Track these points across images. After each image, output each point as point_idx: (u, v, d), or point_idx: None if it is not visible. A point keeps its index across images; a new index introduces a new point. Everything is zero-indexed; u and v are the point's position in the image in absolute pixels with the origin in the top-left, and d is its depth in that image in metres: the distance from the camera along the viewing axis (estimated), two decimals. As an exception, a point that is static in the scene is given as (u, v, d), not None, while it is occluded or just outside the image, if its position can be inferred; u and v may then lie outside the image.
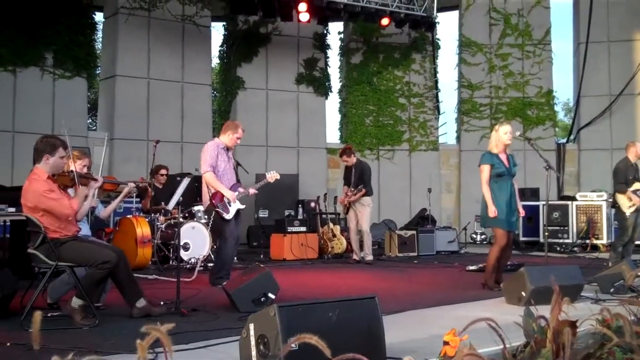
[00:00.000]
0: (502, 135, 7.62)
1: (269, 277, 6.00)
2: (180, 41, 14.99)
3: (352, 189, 10.94)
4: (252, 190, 8.17)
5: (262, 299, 5.74)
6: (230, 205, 7.64)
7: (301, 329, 2.95)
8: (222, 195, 7.59)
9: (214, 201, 7.63)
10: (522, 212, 7.73)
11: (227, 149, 7.88)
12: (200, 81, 15.21)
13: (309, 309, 3.64)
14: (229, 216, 7.61)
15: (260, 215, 13.56)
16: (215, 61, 17.51)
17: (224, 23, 16.31)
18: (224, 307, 5.92)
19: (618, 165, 10.09)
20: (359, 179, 11.05)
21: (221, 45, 16.43)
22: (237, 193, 7.76)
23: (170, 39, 14.82)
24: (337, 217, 12.97)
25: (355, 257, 11.19)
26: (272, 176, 8.33)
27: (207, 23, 15.43)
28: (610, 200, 11.34)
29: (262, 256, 11.36)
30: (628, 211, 9.77)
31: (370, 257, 11.03)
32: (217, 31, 16.27)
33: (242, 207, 7.81)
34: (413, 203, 15.80)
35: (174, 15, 14.80)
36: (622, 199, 9.86)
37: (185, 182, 8.85)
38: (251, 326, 3.59)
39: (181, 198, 8.66)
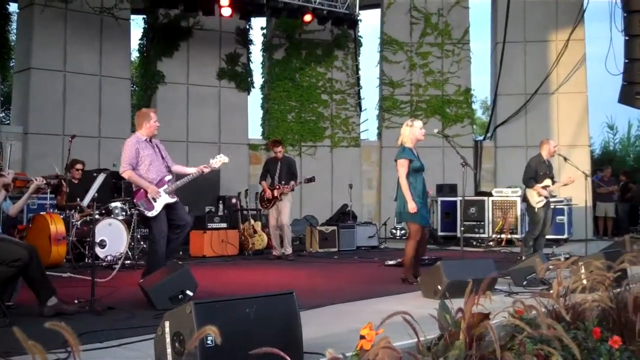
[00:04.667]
0: (418, 130, 7.72)
1: (187, 274, 5.94)
2: (99, 34, 14.61)
3: (283, 183, 10.98)
4: (178, 183, 7.85)
5: (180, 297, 5.70)
6: (155, 201, 7.36)
7: (218, 326, 2.93)
8: (146, 192, 7.35)
9: (135, 199, 7.46)
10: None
11: (150, 140, 7.61)
12: (119, 75, 14.87)
13: (226, 306, 3.63)
14: (152, 213, 7.32)
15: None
16: (134, 55, 17.19)
17: (144, 16, 15.99)
18: (140, 305, 5.84)
19: (530, 161, 10.43)
20: (288, 172, 11.07)
21: (141, 39, 16.10)
22: (165, 187, 7.45)
23: (88, 32, 14.44)
24: (259, 213, 12.93)
25: (275, 252, 11.21)
26: (218, 161, 7.81)
27: (126, 16, 15.09)
28: (522, 195, 11.70)
29: (181, 253, 11.21)
30: (537, 206, 10.11)
31: (290, 250, 11.13)
32: (137, 24, 15.98)
33: (172, 200, 7.48)
34: (334, 199, 15.90)
35: (92, 7, 14.39)
36: (531, 194, 10.19)
37: (101, 178, 8.66)
38: (167, 324, 3.55)
39: (96, 194, 8.47)
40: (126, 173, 7.34)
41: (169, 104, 15.43)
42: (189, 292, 5.78)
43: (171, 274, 5.95)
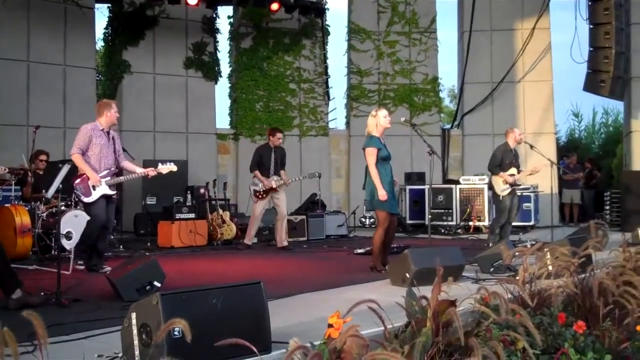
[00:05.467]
0: (382, 119, 7.75)
1: (155, 265, 5.91)
2: (63, 23, 14.38)
3: (278, 175, 10.88)
4: (119, 179, 8.01)
5: (148, 288, 5.66)
6: (94, 189, 7.62)
7: (184, 317, 2.92)
8: (87, 179, 7.61)
9: (75, 183, 7.67)
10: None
11: (108, 132, 7.85)
12: (83, 64, 14.65)
13: (193, 296, 3.62)
14: (88, 199, 7.64)
15: (148, 202, 13.31)
16: (100, 44, 16.97)
17: (109, 5, 15.75)
18: (107, 297, 5.79)
19: (496, 150, 10.53)
20: (281, 162, 11.02)
21: (106, 28, 15.87)
22: (107, 178, 7.69)
23: (52, 21, 14.21)
24: (227, 203, 12.89)
25: (247, 241, 11.16)
26: (166, 167, 8.11)
27: (90, 4, 14.85)
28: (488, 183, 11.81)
29: (149, 244, 11.14)
30: (502, 194, 10.22)
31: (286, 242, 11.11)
32: (102, 13, 15.75)
33: (112, 193, 7.75)
34: (303, 188, 15.85)
35: (56, -5, 14.20)
36: (497, 182, 10.30)
37: (65, 169, 8.50)
38: (133, 315, 3.53)
39: (61, 185, 8.34)
40: (74, 156, 7.67)
41: (135, 93, 15.26)
42: (156, 283, 5.75)
43: (138, 265, 5.90)
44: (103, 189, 7.66)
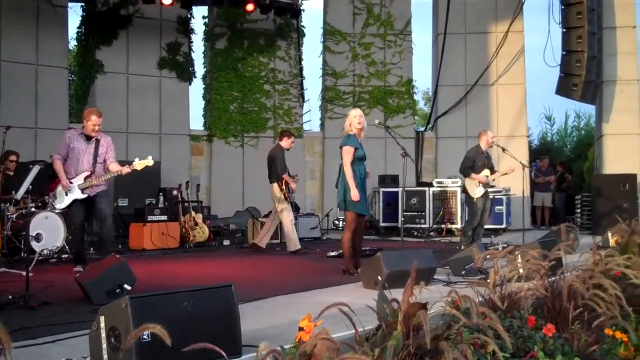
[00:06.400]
0: (352, 118, 7.77)
1: (125, 268, 5.86)
2: (35, 21, 14.22)
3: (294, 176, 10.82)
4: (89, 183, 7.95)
5: (117, 291, 5.61)
6: (66, 195, 7.80)
7: (154, 320, 2.90)
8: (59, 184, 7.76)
9: (49, 189, 7.94)
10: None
11: (89, 137, 7.93)
12: (56, 64, 14.49)
13: (163, 299, 3.60)
14: (59, 205, 7.86)
15: (120, 204, 13.19)
16: (73, 43, 16.80)
17: (82, 4, 15.59)
18: (76, 300, 5.74)
19: (469, 152, 10.60)
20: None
21: (79, 27, 15.70)
22: (80, 182, 7.81)
23: (24, 19, 14.04)
24: (200, 205, 12.82)
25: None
26: (141, 162, 7.92)
27: (63, 3, 14.70)
28: (461, 186, 11.88)
29: (120, 246, 11.04)
30: (476, 196, 10.29)
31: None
32: (75, 12, 15.59)
33: (83, 196, 7.84)
34: (277, 190, 15.85)
35: (28, -6, 14.04)
36: (470, 185, 10.36)
37: (35, 169, 8.45)
38: (102, 318, 3.50)
39: (31, 186, 8.28)
40: (54, 161, 7.91)
41: (108, 93, 15.13)
42: (126, 286, 5.71)
43: (108, 267, 5.85)
44: (74, 195, 7.80)
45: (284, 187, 10.63)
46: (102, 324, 3.48)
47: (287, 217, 10.72)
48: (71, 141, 7.87)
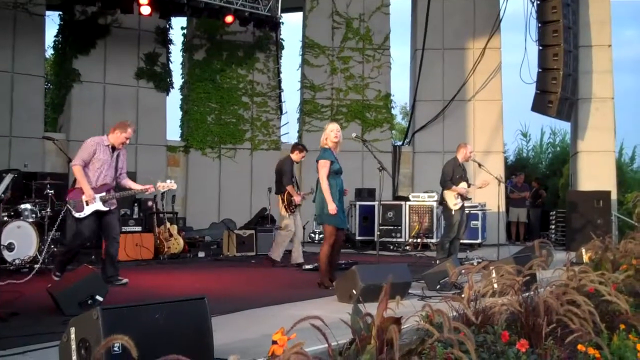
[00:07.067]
0: (329, 132, 7.79)
1: (97, 279, 5.82)
2: (12, 30, 14.07)
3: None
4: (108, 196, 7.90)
5: (89, 302, 5.56)
6: (87, 205, 7.57)
7: (126, 332, 2.86)
8: (82, 193, 7.56)
9: (68, 195, 7.64)
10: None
11: (113, 148, 7.86)
12: (32, 72, 14.33)
13: (135, 311, 3.57)
14: (79, 214, 7.57)
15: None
16: (50, 52, 16.69)
17: (60, 12, 15.52)
18: (47, 311, 5.67)
19: (446, 165, 10.66)
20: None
21: (56, 36, 15.61)
22: (102, 194, 7.68)
23: (0, 27, 13.92)
24: (175, 216, 12.74)
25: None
26: (164, 185, 8.20)
27: (41, 12, 14.57)
28: (439, 199, 11.91)
29: (93, 257, 10.89)
30: (454, 208, 10.33)
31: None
32: (53, 20, 15.48)
33: (105, 209, 7.73)
34: (254, 202, 15.82)
35: (5, 2, 13.85)
36: (449, 197, 10.40)
37: (8, 178, 8.37)
38: (72, 330, 3.46)
39: (3, 195, 8.19)
40: (75, 167, 7.63)
41: (85, 103, 15.01)
42: (98, 297, 5.65)
43: (81, 278, 5.79)
44: (96, 205, 7.66)
45: (285, 198, 10.56)
46: (73, 335, 3.44)
47: (287, 234, 10.68)
48: (97, 151, 7.73)
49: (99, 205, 7.67)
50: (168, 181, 8.28)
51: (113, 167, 7.91)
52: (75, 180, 7.82)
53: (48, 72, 16.09)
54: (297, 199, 10.57)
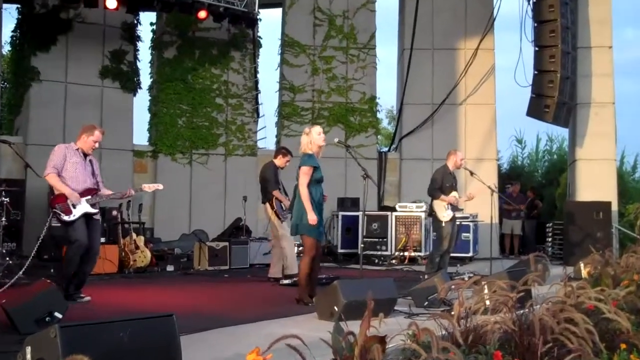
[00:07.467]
0: (316, 136, 7.77)
1: (56, 294, 5.76)
2: (-36, 23, 14.03)
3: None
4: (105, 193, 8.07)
5: (47, 319, 5.51)
6: (74, 207, 7.69)
7: (86, 352, 2.83)
8: (66, 198, 7.66)
9: (53, 203, 7.73)
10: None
11: (84, 153, 7.96)
12: (-14, 70, 14.30)
13: (97, 329, 3.55)
14: (69, 217, 7.67)
15: (53, 225, 12.90)
16: (7, 48, 16.58)
17: (18, 5, 15.41)
18: (1, 328, 5.60)
19: (436, 173, 10.69)
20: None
21: (14, 31, 15.51)
22: (88, 197, 7.79)
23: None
24: (142, 227, 12.66)
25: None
26: (150, 186, 8.47)
27: (-3, 4, 14.54)
28: (428, 209, 11.94)
29: (52, 270, 10.81)
30: (444, 219, 10.35)
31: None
32: (10, 14, 15.38)
33: (94, 211, 7.89)
34: (227, 212, 15.77)
35: (-43, -7, 13.82)
36: (439, 207, 10.42)
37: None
38: (28, 349, 3.44)
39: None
40: (50, 176, 7.73)
41: (44, 103, 14.91)
42: (57, 314, 5.60)
43: (38, 293, 5.73)
44: (84, 207, 7.78)
45: (274, 204, 10.49)
46: (29, 356, 3.44)
47: (289, 242, 10.48)
48: (68, 155, 7.84)
49: (86, 207, 7.79)
50: (154, 184, 8.56)
51: (90, 173, 8.00)
52: (52, 189, 7.97)
53: (4, 70, 15.96)
54: (286, 203, 10.47)
